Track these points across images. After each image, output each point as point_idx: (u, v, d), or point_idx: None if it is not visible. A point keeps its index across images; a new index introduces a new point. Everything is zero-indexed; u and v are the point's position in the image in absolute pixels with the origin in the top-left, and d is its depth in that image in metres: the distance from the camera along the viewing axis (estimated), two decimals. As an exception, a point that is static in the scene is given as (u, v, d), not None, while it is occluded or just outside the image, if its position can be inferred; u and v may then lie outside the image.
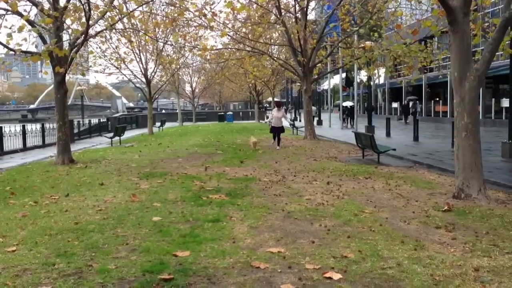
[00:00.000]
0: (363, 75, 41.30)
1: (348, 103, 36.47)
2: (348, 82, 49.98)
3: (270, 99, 52.20)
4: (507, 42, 11.65)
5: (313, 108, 33.88)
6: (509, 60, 13.94)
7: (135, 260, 4.83)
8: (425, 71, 37.27)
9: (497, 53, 11.40)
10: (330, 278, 4.17)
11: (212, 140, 22.66)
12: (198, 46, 23.45)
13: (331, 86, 47.74)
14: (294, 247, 5.13)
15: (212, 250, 5.09)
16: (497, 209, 6.92)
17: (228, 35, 23.11)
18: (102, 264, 4.72)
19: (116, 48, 27.60)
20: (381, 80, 49.84)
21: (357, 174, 10.48)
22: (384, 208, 7.16)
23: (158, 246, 5.28)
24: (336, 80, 51.99)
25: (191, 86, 52.54)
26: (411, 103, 36.28)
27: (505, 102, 25.65)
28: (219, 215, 6.67)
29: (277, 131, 18.21)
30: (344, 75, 48.13)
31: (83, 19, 12.97)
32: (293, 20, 22.27)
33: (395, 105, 45.40)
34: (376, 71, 36.13)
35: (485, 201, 7.45)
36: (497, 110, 29.22)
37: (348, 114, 34.12)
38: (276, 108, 18.50)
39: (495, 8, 28.38)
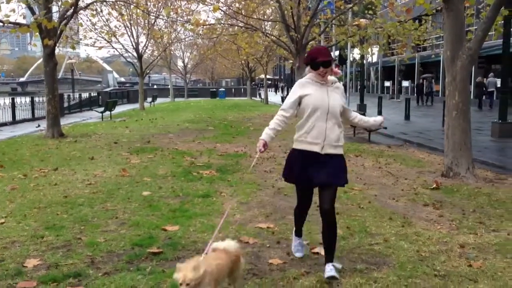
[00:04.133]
0: (356, 53, 41.11)
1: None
2: (341, 60, 49.76)
3: (262, 76, 51.92)
4: (500, 22, 11.63)
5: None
6: (501, 39, 13.92)
7: (124, 233, 4.85)
8: (418, 50, 37.14)
9: (489, 33, 11.40)
10: (317, 253, 4.21)
11: (203, 116, 22.57)
12: (191, 21, 23.17)
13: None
14: (283, 223, 5.17)
15: (202, 225, 5.11)
16: (484, 187, 7.00)
17: (221, 9, 22.84)
18: (91, 237, 4.73)
19: (107, 21, 27.11)
20: (374, 59, 49.66)
21: (348, 151, 10.50)
22: (373, 185, 7.21)
23: (148, 220, 5.30)
24: (329, 57, 51.60)
25: (183, 62, 52.04)
26: (425, 82, 32.44)
27: (498, 82, 25.68)
28: (209, 191, 6.69)
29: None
30: (337, 53, 47.86)
31: (73, -10, 12.69)
32: (287, -5, 21.97)
33: (387, 83, 45.35)
34: (369, 50, 35.96)
35: (473, 179, 7.53)
36: (490, 90, 29.24)
37: None
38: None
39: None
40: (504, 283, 3.57)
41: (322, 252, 4.22)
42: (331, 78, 3.74)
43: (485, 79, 26.43)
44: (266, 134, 3.70)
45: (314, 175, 3.64)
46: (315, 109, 3.61)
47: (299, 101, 3.69)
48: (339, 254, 4.17)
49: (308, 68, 3.72)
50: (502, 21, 11.89)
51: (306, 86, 3.70)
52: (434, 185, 7.00)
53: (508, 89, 13.92)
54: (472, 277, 3.67)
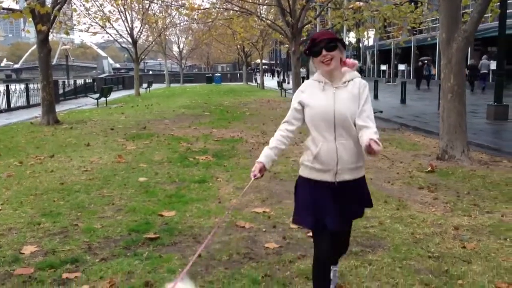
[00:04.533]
0: (352, 37, 40.92)
1: None
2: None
3: (258, 61, 51.68)
4: (496, 4, 11.58)
5: (303, 70, 33.69)
6: (497, 21, 13.87)
7: (121, 219, 4.87)
8: (414, 32, 36.98)
9: (486, 15, 11.39)
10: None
11: (199, 102, 22.51)
12: (185, 5, 22.96)
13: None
14: (279, 207, 5.20)
15: (198, 210, 5.14)
16: (479, 170, 7.04)
17: (216, -7, 22.65)
18: (87, 223, 4.75)
19: (101, 6, 26.85)
20: (371, 42, 49.43)
21: (344, 136, 10.51)
22: (369, 169, 7.21)
23: (144, 206, 5.32)
24: (325, 41, 51.39)
25: (179, 47, 51.69)
26: (424, 65, 31.51)
27: (492, 65, 25.67)
28: (205, 176, 6.70)
29: None
30: (333, 36, 47.55)
31: (65, -25, 12.54)
32: (282, -21, 21.77)
33: (383, 67, 45.22)
34: (365, 33, 35.79)
35: (468, 162, 7.57)
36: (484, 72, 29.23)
37: None
38: None
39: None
40: (498, 264, 3.61)
41: (318, 236, 4.27)
42: (344, 72, 2.74)
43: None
44: (265, 156, 2.77)
45: (327, 219, 2.71)
46: (318, 120, 2.66)
47: (303, 109, 2.76)
48: (335, 237, 4.20)
49: (311, 63, 2.76)
50: (498, 3, 11.83)
51: (307, 89, 2.77)
52: (429, 168, 7.03)
53: (504, 72, 13.91)
54: (465, 258, 3.72)
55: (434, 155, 8.24)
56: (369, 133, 2.57)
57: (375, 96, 23.05)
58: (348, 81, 2.71)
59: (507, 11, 14.55)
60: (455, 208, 5.11)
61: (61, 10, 14.31)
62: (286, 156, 8.15)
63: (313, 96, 2.72)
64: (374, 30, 28.88)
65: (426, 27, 34.56)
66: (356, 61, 2.82)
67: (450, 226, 4.51)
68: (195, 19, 28.10)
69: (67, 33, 17.55)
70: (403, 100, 20.15)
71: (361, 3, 21.13)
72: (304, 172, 2.82)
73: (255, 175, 2.74)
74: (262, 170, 2.76)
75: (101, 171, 7.15)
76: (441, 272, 3.47)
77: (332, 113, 2.64)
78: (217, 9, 24.99)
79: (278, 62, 66.74)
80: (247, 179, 6.51)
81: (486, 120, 13.33)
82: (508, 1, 17.73)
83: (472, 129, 10.57)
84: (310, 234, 4.30)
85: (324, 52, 2.65)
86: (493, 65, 25.15)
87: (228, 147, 9.12)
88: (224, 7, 24.67)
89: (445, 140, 7.91)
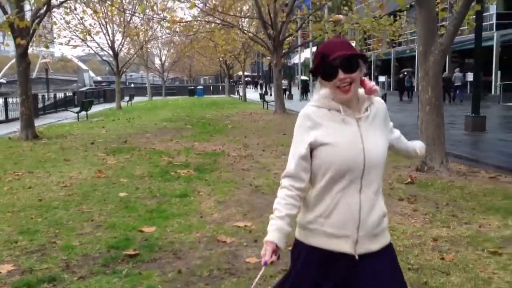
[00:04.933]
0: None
1: (303, 77, 37.33)
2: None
3: (240, 73, 51.89)
4: (472, 17, 11.85)
5: (285, 82, 34.15)
6: (474, 34, 14.17)
7: (100, 236, 4.80)
8: (394, 45, 37.61)
9: (462, 28, 11.63)
10: (294, 250, 4.24)
11: (181, 115, 22.45)
12: (167, 18, 22.99)
13: (302, 60, 47.73)
14: (260, 221, 5.18)
15: (179, 225, 5.10)
16: (457, 181, 7.14)
17: (197, 6, 22.75)
18: (66, 240, 4.67)
19: (81, 19, 26.74)
20: (351, 54, 50.04)
21: (325, 148, 10.57)
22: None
23: (124, 222, 5.26)
24: (307, 53, 51.95)
25: (161, 60, 51.61)
26: (406, 77, 31.00)
27: (469, 76, 26.20)
28: (187, 190, 6.67)
29: None
30: (314, 48, 48.17)
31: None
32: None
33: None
34: (346, 45, 36.19)
35: (447, 173, 7.67)
36: (463, 84, 29.80)
37: (303, 87, 35.15)
38: None
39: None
40: (475, 275, 3.65)
41: (299, 249, 4.27)
42: (363, 96, 1.98)
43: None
44: (277, 230, 1.91)
45: None
46: (341, 166, 1.87)
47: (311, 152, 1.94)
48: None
49: (318, 84, 1.97)
50: (474, 16, 12.11)
51: (317, 123, 1.92)
52: (409, 180, 7.11)
53: (481, 83, 14.20)
54: (444, 270, 3.76)
55: (414, 166, 8.33)
56: (417, 143, 2.37)
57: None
58: (369, 106, 1.95)
59: (483, 23, 14.90)
60: (434, 219, 5.17)
61: (40, 23, 14.19)
62: (267, 169, 8.16)
63: (334, 132, 1.88)
64: (354, 42, 29.29)
65: (405, 39, 35.22)
66: (377, 87, 1.96)
67: (429, 237, 4.55)
68: (177, 32, 28.20)
69: (47, 47, 17.43)
70: (383, 112, 20.37)
71: (341, 16, 21.47)
72: (305, 238, 1.97)
73: (266, 262, 1.87)
74: (277, 251, 1.89)
75: (80, 187, 7.06)
76: (420, 285, 3.50)
77: (362, 156, 1.86)
78: (198, 22, 25.12)
79: (260, 74, 67.09)
80: (229, 193, 6.52)
81: (464, 131, 13.55)
82: (484, 14, 18.20)
83: (450, 140, 10.73)
84: (291, 248, 4.30)
85: (341, 75, 1.84)
86: (470, 76, 25.70)
87: (210, 161, 9.10)
88: (206, 20, 24.83)
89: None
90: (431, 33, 7.99)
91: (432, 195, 6.28)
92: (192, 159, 9.34)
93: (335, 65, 1.84)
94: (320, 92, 1.93)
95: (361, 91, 1.95)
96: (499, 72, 28.06)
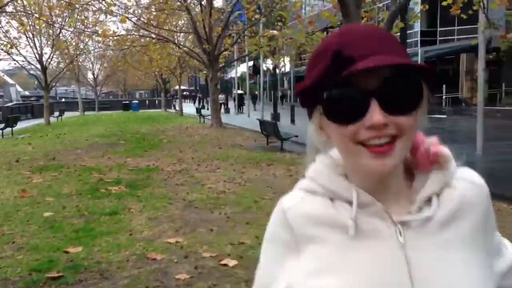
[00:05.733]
0: (269, 63, 42.14)
1: (239, 91, 38.29)
2: (256, 70, 50.77)
3: (177, 87, 51.50)
4: (397, 34, 12.50)
5: (221, 96, 34.66)
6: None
7: (22, 259, 4.54)
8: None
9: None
10: (225, 265, 4.22)
11: (115, 130, 21.82)
12: (98, 32, 22.43)
13: (239, 74, 48.16)
14: (192, 236, 5.12)
15: (107, 244, 4.92)
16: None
17: (130, 20, 22.38)
18: (-18, 266, 4.36)
19: (6, 32, 25.47)
20: (287, 69, 51.20)
21: (261, 161, 10.67)
22: (284, 193, 7.32)
23: (48, 243, 5.00)
24: (244, 68, 52.53)
25: (93, 74, 50.13)
26: None
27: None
28: (117, 208, 6.47)
29: None
30: (251, 63, 48.80)
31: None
32: (199, 7, 22.07)
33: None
34: (281, 60, 37.00)
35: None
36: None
37: (239, 101, 35.91)
38: None
39: (388, 1, 30.26)
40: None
41: (230, 264, 4.25)
42: (420, 173, 0.82)
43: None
44: None
45: None
46: None
47: None
48: (247, 265, 4.21)
49: (314, 129, 0.82)
50: (398, 33, 12.77)
51: (305, 237, 0.81)
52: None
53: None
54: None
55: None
56: None
57: (292, 121, 23.74)
58: (437, 194, 0.80)
59: (408, 40, 15.73)
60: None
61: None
62: (202, 184, 8.09)
63: (341, 260, 0.78)
64: (289, 57, 29.98)
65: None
66: (447, 151, 0.83)
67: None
68: (110, 45, 27.55)
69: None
70: (318, 124, 20.91)
71: (276, 32, 21.93)
72: None
73: None
74: None
75: (1, 207, 6.64)
76: None
77: None
78: (132, 36, 24.70)
79: (197, 88, 66.92)
80: (161, 209, 6.40)
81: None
82: (408, 31, 19.28)
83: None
84: (222, 262, 4.28)
85: (376, 115, 0.72)
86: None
87: (143, 176, 8.89)
88: (140, 33, 24.46)
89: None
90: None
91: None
92: (124, 175, 9.08)
93: (364, 89, 0.73)
94: (318, 158, 0.86)
95: (421, 154, 0.82)
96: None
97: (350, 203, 0.79)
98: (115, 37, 22.69)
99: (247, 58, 37.07)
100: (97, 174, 9.28)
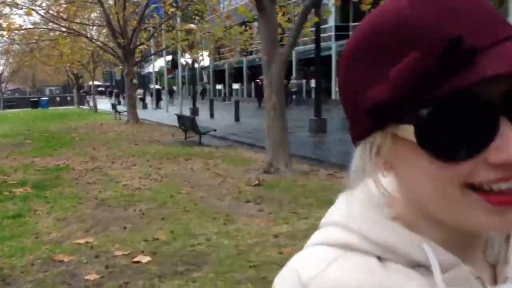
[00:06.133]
0: (188, 58, 41.68)
1: (157, 86, 38.48)
2: (174, 64, 49.98)
3: (91, 83, 49.41)
4: (312, 29, 12.87)
5: (140, 91, 34.03)
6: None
7: None
8: (245, 54, 39.18)
9: (307, 38, 12.65)
10: (138, 262, 4.12)
11: (21, 129, 20.47)
12: (2, 25, 20.94)
13: (157, 69, 47.12)
14: (104, 235, 4.94)
15: (10, 249, 4.62)
16: (300, 180, 7.63)
17: (37, 13, 21.10)
18: None
19: None
20: (206, 63, 50.93)
21: (178, 156, 10.53)
22: (201, 187, 7.33)
23: None
24: (162, 62, 51.50)
25: (-3, 69, 46.72)
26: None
27: (313, 83, 28.43)
28: (22, 210, 6.09)
29: None
30: (169, 57, 47.96)
31: None
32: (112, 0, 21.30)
33: (219, 86, 46.90)
34: (200, 54, 36.74)
35: (291, 173, 8.15)
36: (308, 90, 32.28)
37: (157, 96, 36.04)
38: None
39: (302, -2, 31.06)
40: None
41: (143, 261, 4.15)
42: None
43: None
44: None
45: None
46: None
47: None
48: (160, 260, 4.13)
49: (369, 154, 0.47)
50: (313, 27, 13.14)
51: None
52: (256, 182, 7.40)
53: (322, 89, 15.47)
54: (281, 263, 3.92)
55: (262, 169, 8.71)
56: None
57: (211, 115, 23.69)
58: None
59: (321, 35, 16.25)
60: (277, 218, 5.44)
61: None
62: (116, 181, 7.83)
63: None
64: (208, 51, 29.84)
65: (256, 48, 36.93)
66: None
67: (271, 235, 4.77)
68: (15, 39, 25.81)
69: None
70: (237, 118, 21.05)
71: (193, 26, 21.70)
72: None
73: None
74: None
75: None
76: (259, 279, 3.63)
77: None
78: (40, 29, 23.31)
79: (113, 84, 64.54)
80: (71, 209, 6.10)
81: (309, 133, 14.60)
82: (323, 26, 19.90)
83: (296, 142, 11.46)
84: (135, 259, 4.17)
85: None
86: (313, 83, 27.89)
87: (52, 176, 8.42)
88: (49, 27, 23.13)
89: (271, 154, 8.43)
90: (273, 43, 8.45)
91: (277, 195, 6.61)
92: (30, 176, 8.55)
93: (488, 102, 0.41)
94: (351, 194, 0.53)
95: None
96: (337, 79, 30.94)
97: (412, 265, 0.48)
98: (21, 31, 21.33)
99: (164, 52, 36.39)
100: (0, 176, 8.65)
